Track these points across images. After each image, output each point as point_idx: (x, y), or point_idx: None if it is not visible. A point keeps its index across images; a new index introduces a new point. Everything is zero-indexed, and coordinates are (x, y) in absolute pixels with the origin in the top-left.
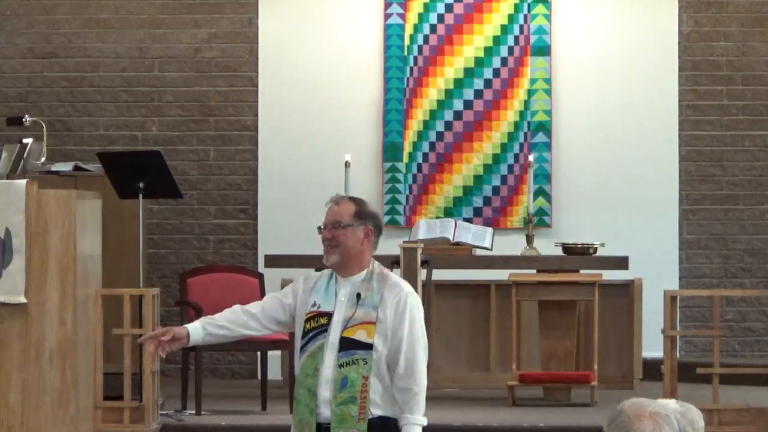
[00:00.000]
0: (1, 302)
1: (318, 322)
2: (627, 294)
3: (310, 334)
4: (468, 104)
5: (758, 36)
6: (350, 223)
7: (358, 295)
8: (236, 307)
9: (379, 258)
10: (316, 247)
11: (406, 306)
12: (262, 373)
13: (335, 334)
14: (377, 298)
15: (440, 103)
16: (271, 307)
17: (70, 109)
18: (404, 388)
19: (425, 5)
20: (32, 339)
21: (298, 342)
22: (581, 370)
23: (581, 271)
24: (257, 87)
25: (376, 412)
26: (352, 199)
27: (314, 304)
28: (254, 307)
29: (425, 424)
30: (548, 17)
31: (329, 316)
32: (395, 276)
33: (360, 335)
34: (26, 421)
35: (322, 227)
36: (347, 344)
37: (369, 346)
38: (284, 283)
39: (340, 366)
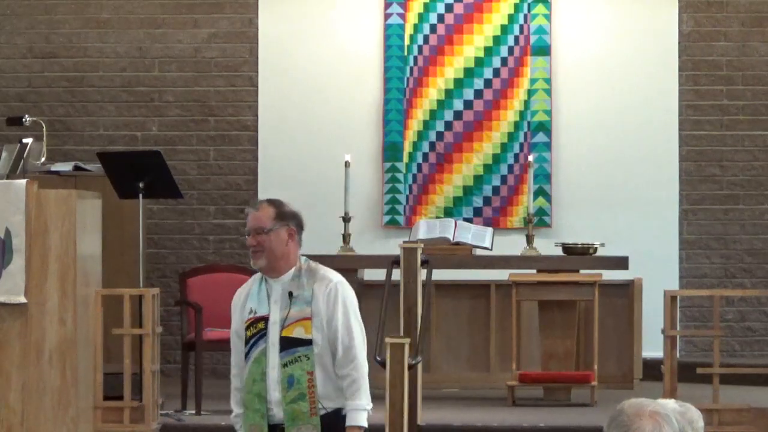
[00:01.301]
0: (1, 302)
1: (257, 328)
2: (627, 294)
3: (252, 341)
4: (468, 104)
5: (758, 36)
6: (272, 227)
7: (290, 294)
8: (232, 388)
9: (379, 258)
10: (316, 247)
11: (337, 295)
12: None
13: (274, 336)
14: (308, 293)
15: (440, 103)
16: (236, 353)
17: (70, 109)
18: (344, 375)
19: (425, 5)
20: (32, 339)
21: (242, 351)
22: (581, 370)
23: (581, 271)
24: (257, 87)
25: (328, 405)
26: (271, 201)
27: (251, 311)
28: (233, 366)
29: (369, 408)
30: (548, 17)
31: (266, 319)
32: (324, 268)
33: (298, 332)
34: (26, 421)
35: (246, 234)
36: (287, 343)
37: (308, 342)
38: None
39: (284, 366)
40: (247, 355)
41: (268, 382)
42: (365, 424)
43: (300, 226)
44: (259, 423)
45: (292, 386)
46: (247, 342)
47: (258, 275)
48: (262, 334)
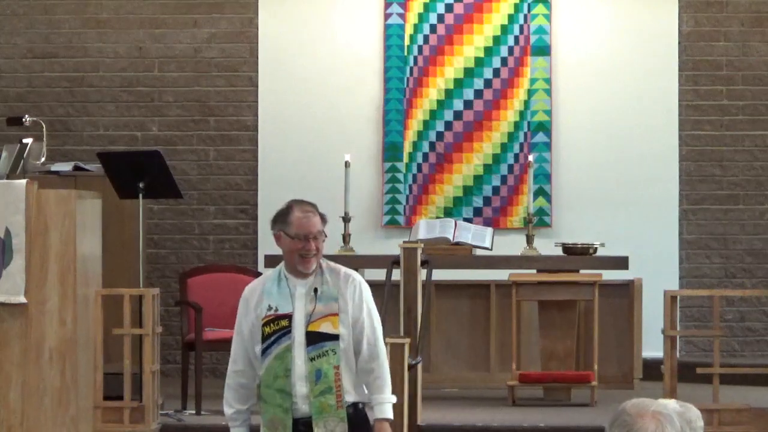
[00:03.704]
0: (1, 302)
1: (279, 325)
2: (627, 294)
3: (272, 337)
4: (468, 104)
5: (758, 36)
6: (324, 231)
7: (315, 290)
8: (231, 384)
9: (379, 258)
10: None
11: (362, 294)
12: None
13: (300, 332)
14: (334, 290)
15: (440, 103)
16: (245, 349)
17: (70, 109)
18: (368, 370)
19: (425, 5)
20: (32, 339)
21: (257, 346)
22: (581, 370)
23: (581, 271)
24: (257, 87)
25: (348, 399)
26: (315, 206)
27: (270, 308)
28: (235, 363)
29: (395, 401)
30: (548, 17)
31: (289, 317)
32: (342, 266)
33: (325, 327)
34: (26, 421)
35: (302, 237)
36: (314, 338)
37: (335, 337)
38: None
39: (312, 360)
40: (265, 351)
41: (293, 377)
42: (392, 416)
43: None
44: (282, 417)
45: (320, 380)
46: (264, 339)
47: (274, 273)
48: (285, 332)
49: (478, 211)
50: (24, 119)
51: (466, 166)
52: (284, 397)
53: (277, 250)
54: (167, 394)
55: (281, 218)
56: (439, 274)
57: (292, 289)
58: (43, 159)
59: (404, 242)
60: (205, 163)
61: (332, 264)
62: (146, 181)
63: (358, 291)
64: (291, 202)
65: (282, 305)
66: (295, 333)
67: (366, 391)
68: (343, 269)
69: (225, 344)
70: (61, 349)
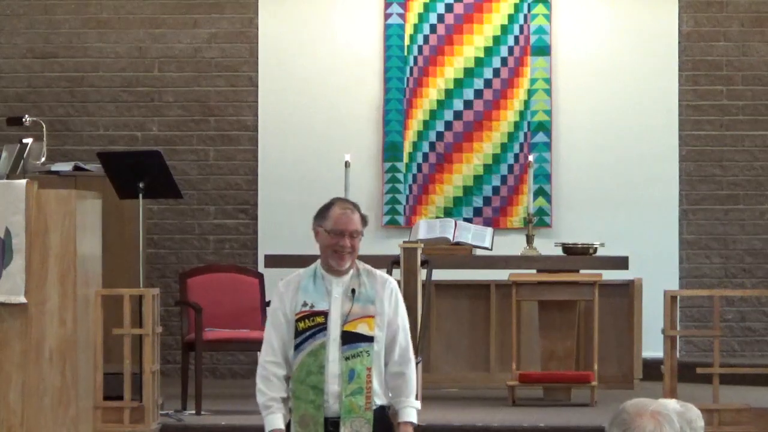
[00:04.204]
0: (1, 302)
1: (314, 321)
2: (627, 294)
3: (307, 333)
4: (468, 104)
5: (758, 36)
6: (362, 231)
7: (353, 291)
8: (266, 374)
9: (379, 258)
10: (316, 247)
11: (397, 298)
12: None
13: (336, 330)
14: (372, 292)
15: (440, 103)
16: (282, 341)
17: (70, 109)
18: (398, 373)
19: (425, 5)
20: (32, 339)
21: (290, 342)
22: (581, 370)
23: (581, 271)
24: (257, 87)
25: (377, 401)
26: (355, 205)
27: (305, 304)
28: (271, 353)
29: (419, 408)
30: (548, 17)
31: (325, 314)
32: (377, 270)
33: (362, 329)
34: (26, 421)
35: (338, 232)
36: (350, 338)
37: (370, 339)
38: None
39: (346, 359)
40: (298, 346)
41: (327, 375)
42: (416, 421)
43: None
44: (314, 414)
45: (353, 380)
46: (298, 334)
47: (309, 270)
48: (321, 328)
49: (478, 211)
50: (24, 119)
51: (466, 166)
52: (317, 394)
53: (277, 250)
54: (167, 394)
55: (321, 213)
56: (439, 274)
57: (328, 286)
58: (43, 159)
59: (404, 242)
60: (205, 163)
61: (368, 266)
62: (146, 181)
63: (394, 295)
64: (334, 198)
65: (318, 302)
66: (330, 331)
67: (390, 394)
68: (379, 272)
69: (225, 344)
70: (61, 349)
